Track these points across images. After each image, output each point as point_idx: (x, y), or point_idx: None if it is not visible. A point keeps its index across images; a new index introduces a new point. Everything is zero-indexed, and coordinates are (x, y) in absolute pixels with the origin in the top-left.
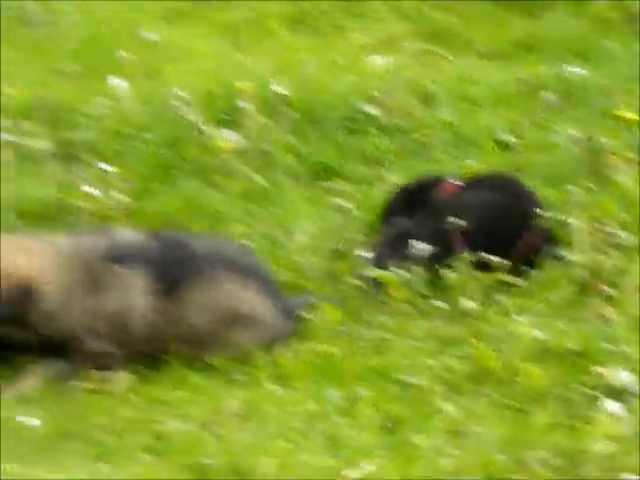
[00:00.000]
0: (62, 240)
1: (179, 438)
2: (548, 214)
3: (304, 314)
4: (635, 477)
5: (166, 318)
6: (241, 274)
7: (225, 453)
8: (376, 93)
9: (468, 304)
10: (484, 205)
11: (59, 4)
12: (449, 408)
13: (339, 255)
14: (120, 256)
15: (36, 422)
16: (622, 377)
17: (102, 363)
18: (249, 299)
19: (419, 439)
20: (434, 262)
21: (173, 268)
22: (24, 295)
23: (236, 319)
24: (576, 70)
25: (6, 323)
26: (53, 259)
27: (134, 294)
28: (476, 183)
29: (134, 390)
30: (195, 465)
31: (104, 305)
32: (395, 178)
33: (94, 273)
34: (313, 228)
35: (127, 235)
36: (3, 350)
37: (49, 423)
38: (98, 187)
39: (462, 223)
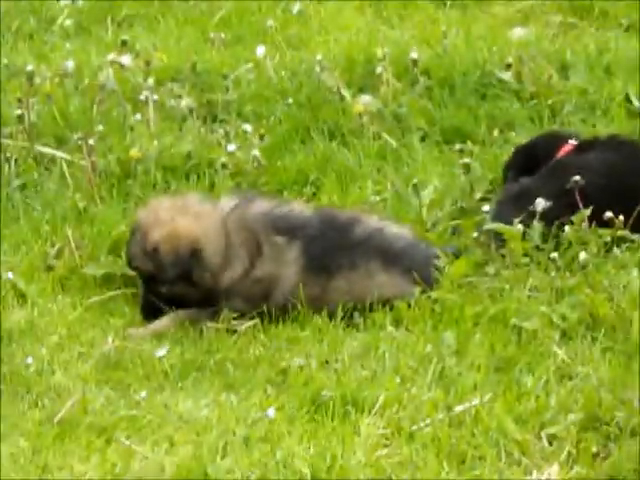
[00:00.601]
0: (227, 203)
1: (300, 373)
2: None
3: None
4: None
5: (309, 296)
6: (393, 264)
7: (341, 386)
8: (511, 60)
9: (585, 256)
10: (605, 165)
11: None
12: (559, 352)
13: (463, 211)
14: (282, 228)
15: (162, 351)
16: None
17: (237, 322)
18: (395, 292)
19: (528, 379)
20: (554, 218)
21: (328, 251)
22: (191, 256)
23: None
24: None
25: (174, 281)
26: (217, 222)
27: (285, 266)
28: (595, 144)
29: (262, 329)
30: (313, 397)
31: (257, 271)
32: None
33: (254, 240)
34: (440, 186)
35: (294, 208)
36: (167, 304)
37: (179, 355)
38: (238, 145)
39: (582, 182)
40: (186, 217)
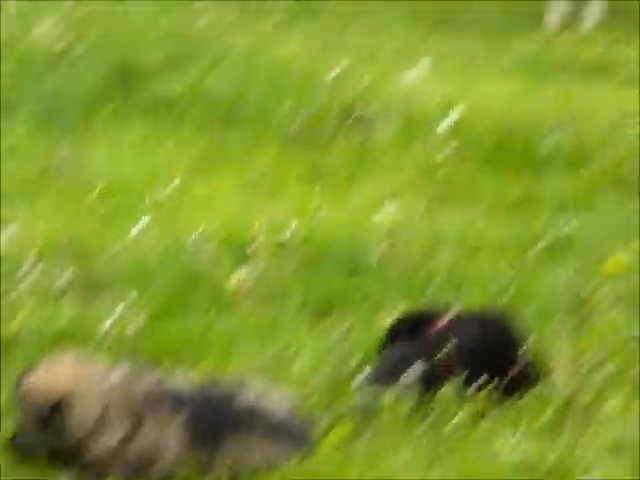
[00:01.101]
0: (117, 372)
1: None
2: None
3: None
4: None
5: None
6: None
7: None
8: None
9: (451, 428)
10: (474, 338)
11: (89, 152)
12: None
13: (339, 381)
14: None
15: None
16: None
17: None
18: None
19: None
20: (428, 386)
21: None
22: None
23: None
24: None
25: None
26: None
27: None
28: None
29: None
30: None
31: (136, 443)
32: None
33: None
34: (316, 356)
35: (178, 382)
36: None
37: None
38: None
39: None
40: (68, 374)
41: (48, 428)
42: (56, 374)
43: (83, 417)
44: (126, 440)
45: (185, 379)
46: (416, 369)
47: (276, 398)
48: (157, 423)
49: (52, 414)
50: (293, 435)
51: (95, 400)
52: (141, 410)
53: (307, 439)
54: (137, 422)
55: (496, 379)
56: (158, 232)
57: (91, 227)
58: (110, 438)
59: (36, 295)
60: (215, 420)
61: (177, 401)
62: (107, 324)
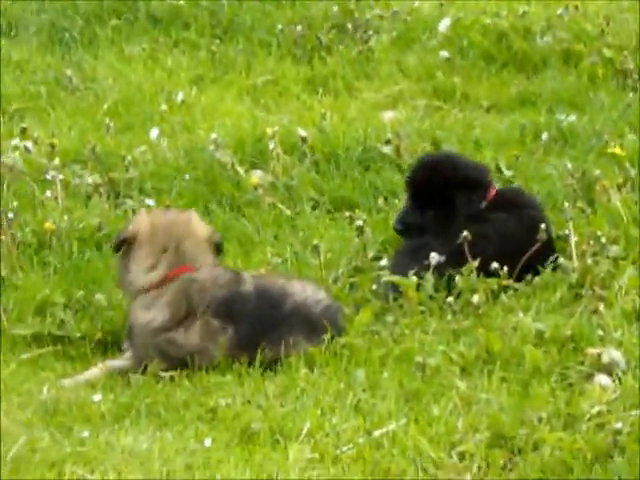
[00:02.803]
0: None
1: (228, 410)
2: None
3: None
4: (619, 425)
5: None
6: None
7: (267, 420)
8: (390, 136)
9: (477, 300)
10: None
11: (94, 71)
12: (460, 383)
13: (358, 269)
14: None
15: (98, 397)
16: (612, 355)
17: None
18: None
19: (435, 407)
20: (447, 270)
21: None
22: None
23: None
24: (570, 118)
25: None
26: None
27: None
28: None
29: (185, 377)
30: (243, 430)
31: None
32: None
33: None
34: (335, 248)
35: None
36: None
37: (113, 401)
38: None
39: (470, 237)
40: None
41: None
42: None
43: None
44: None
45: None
46: (434, 257)
47: (311, 291)
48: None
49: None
50: (329, 322)
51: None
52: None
53: (339, 325)
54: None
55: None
56: (172, 139)
57: (107, 138)
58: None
59: (67, 197)
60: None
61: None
62: None
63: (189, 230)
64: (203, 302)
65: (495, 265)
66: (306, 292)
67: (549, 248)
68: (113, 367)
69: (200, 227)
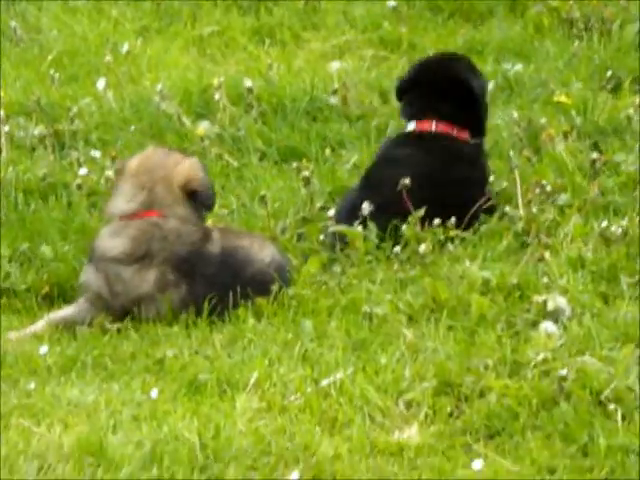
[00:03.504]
0: None
1: (175, 361)
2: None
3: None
4: (565, 371)
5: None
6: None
7: (215, 370)
8: (337, 86)
9: (424, 249)
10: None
11: (38, 22)
12: (408, 332)
13: (306, 220)
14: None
15: (44, 349)
16: (558, 302)
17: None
18: None
19: (382, 356)
20: (389, 220)
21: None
22: None
23: None
24: (516, 67)
25: None
26: None
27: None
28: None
29: (132, 328)
30: (190, 380)
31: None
32: (354, 159)
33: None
34: (282, 198)
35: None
36: None
37: (59, 353)
38: (89, 169)
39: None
40: None
41: None
42: None
43: None
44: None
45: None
46: (365, 208)
47: (258, 245)
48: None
49: None
50: (278, 277)
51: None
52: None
53: (287, 278)
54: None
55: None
56: (118, 91)
57: (52, 89)
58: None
59: (12, 148)
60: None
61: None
62: (81, 172)
63: (166, 175)
64: (162, 253)
65: (437, 222)
66: (261, 250)
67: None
68: (58, 318)
69: (180, 175)
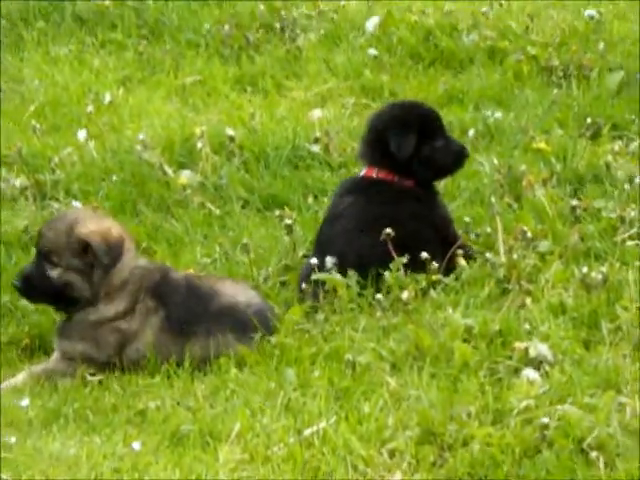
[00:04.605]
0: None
1: (157, 413)
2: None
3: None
4: (547, 419)
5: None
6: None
7: (197, 421)
8: (319, 134)
9: (406, 296)
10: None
11: (20, 73)
12: (391, 380)
13: (288, 268)
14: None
15: (25, 402)
16: (539, 349)
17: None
18: None
19: (365, 404)
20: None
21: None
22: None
23: None
24: (496, 115)
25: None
26: None
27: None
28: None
29: (114, 380)
30: (173, 432)
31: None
32: None
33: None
34: (265, 246)
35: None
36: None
37: (40, 406)
38: None
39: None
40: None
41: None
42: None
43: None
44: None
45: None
46: (329, 260)
47: (242, 290)
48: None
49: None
50: (260, 323)
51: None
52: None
53: (270, 326)
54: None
55: (435, 260)
56: (99, 140)
57: (33, 140)
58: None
59: None
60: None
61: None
62: None
63: None
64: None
65: (424, 255)
66: (237, 292)
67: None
68: (39, 371)
69: None
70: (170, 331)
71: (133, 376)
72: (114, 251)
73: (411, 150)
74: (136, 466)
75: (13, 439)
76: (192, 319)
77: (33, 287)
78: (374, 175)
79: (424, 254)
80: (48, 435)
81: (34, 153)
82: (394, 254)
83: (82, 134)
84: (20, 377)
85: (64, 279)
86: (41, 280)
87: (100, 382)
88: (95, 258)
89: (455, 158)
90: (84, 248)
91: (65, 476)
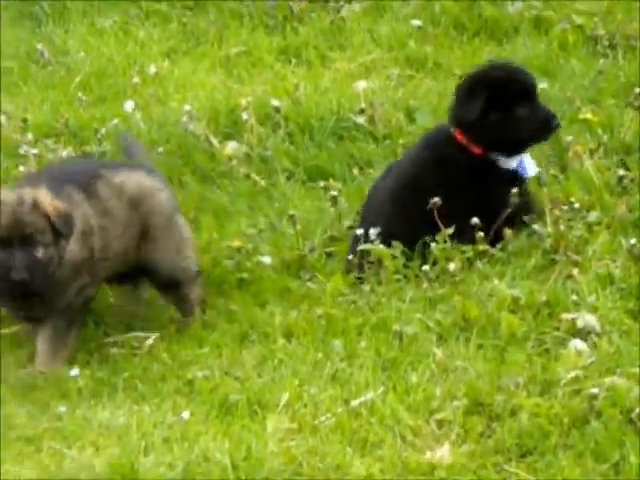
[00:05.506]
0: None
1: (206, 382)
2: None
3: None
4: (596, 389)
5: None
6: None
7: (245, 391)
8: (364, 106)
9: (453, 267)
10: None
11: (65, 45)
12: (437, 351)
13: (334, 239)
14: None
15: (75, 372)
16: (587, 320)
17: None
18: None
19: (413, 375)
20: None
21: None
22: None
23: None
24: (542, 85)
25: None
26: None
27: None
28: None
29: (163, 349)
30: (221, 402)
31: None
32: None
33: None
34: (310, 218)
35: None
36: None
37: (90, 376)
38: None
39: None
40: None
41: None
42: None
43: None
44: None
45: None
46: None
47: None
48: None
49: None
50: None
51: None
52: None
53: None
54: None
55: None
56: (145, 112)
57: (79, 111)
58: None
59: None
60: None
61: None
62: None
63: None
64: None
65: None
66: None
67: None
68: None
69: None
70: None
71: (182, 346)
72: (69, 220)
73: (474, 115)
74: (185, 435)
75: (63, 408)
76: None
77: (41, 273)
78: (452, 134)
79: (474, 220)
80: (97, 404)
81: (80, 124)
82: (441, 225)
83: (129, 105)
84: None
85: (54, 255)
86: (46, 262)
87: (149, 352)
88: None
89: (534, 128)
90: (52, 223)
91: (115, 445)
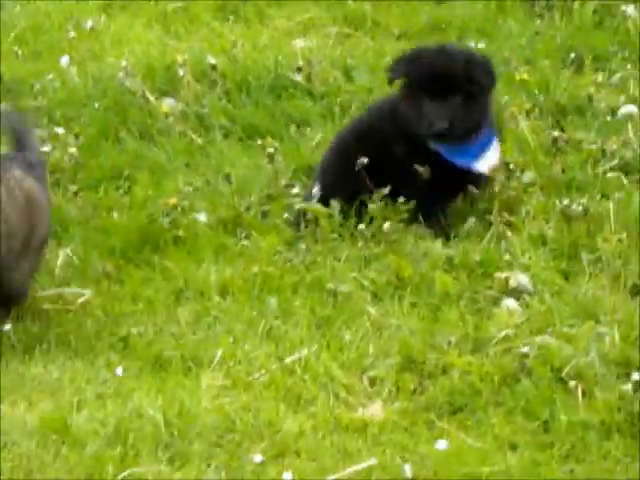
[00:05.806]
0: None
1: (140, 339)
2: None
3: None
4: (527, 348)
5: None
6: None
7: (179, 347)
8: (301, 64)
9: (388, 227)
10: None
11: None
12: (372, 309)
13: (271, 197)
14: None
15: (7, 327)
16: (519, 280)
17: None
18: None
19: (347, 333)
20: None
21: None
22: None
23: None
24: (480, 45)
25: None
26: None
27: None
28: None
29: (97, 305)
30: (155, 358)
31: None
32: (319, 137)
33: None
34: (247, 176)
35: None
36: None
37: (22, 331)
38: (53, 145)
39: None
40: None
41: None
42: None
43: None
44: None
45: None
46: (316, 193)
47: None
48: None
49: None
50: None
51: None
52: None
53: None
54: None
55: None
56: (81, 67)
57: (15, 66)
58: None
59: None
60: None
61: None
62: (45, 149)
63: None
64: None
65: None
66: None
67: None
68: None
69: None
70: None
71: (116, 302)
72: None
73: None
74: (119, 391)
75: None
76: None
77: None
78: None
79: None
80: (30, 360)
81: (16, 79)
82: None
83: (64, 60)
84: None
85: None
86: None
87: (83, 308)
88: None
89: None
90: None
91: (48, 401)
